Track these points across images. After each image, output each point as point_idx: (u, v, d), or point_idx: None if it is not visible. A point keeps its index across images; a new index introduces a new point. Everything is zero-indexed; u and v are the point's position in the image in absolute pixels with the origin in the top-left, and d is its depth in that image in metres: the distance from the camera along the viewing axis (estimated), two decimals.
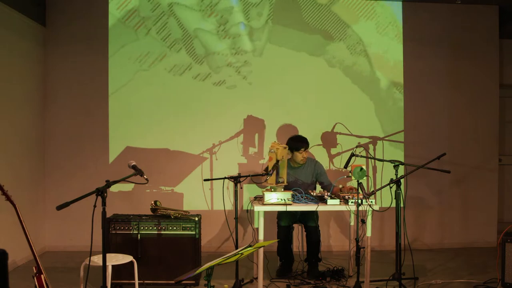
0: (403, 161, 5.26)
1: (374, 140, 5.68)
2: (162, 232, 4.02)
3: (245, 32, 5.55)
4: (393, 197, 3.87)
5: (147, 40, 5.51)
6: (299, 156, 4.44)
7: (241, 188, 4.33)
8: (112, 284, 3.72)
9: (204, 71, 5.55)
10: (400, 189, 3.86)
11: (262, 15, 5.53)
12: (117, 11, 5.47)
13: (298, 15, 5.60)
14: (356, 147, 5.10)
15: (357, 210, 3.78)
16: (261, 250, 3.85)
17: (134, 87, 5.51)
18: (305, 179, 4.49)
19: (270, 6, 5.57)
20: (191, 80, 5.55)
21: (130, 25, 5.49)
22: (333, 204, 3.91)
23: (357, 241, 3.79)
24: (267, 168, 4.03)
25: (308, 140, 4.50)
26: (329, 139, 5.63)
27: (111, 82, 5.49)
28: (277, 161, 3.94)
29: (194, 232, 4.04)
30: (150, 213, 4.24)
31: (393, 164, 3.95)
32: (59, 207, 2.60)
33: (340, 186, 4.27)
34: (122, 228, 4.01)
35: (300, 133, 5.02)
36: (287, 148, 4.14)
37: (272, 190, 3.94)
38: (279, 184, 3.97)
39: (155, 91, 5.53)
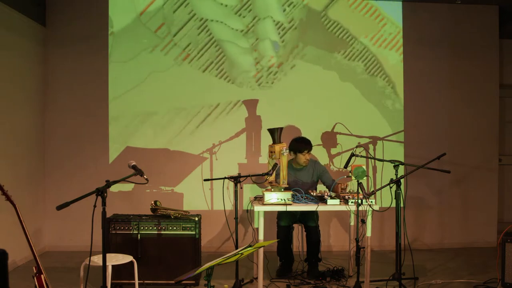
0: (403, 161, 5.26)
1: (374, 140, 5.68)
2: (162, 232, 4.02)
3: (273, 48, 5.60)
4: (393, 197, 3.87)
5: (149, 41, 5.51)
6: (302, 158, 4.43)
7: (241, 188, 4.33)
8: (112, 284, 3.72)
9: (210, 73, 5.56)
10: (400, 189, 3.86)
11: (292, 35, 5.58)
12: (121, 12, 5.48)
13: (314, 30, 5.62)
14: (356, 147, 5.11)
15: (357, 210, 3.78)
16: (261, 250, 3.85)
17: (134, 87, 5.51)
18: (305, 180, 4.49)
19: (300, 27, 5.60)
20: (192, 80, 5.55)
21: (132, 25, 5.50)
22: (333, 204, 3.91)
23: (357, 241, 3.79)
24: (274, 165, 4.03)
25: (311, 141, 4.50)
26: (329, 139, 5.64)
27: (111, 82, 5.49)
28: (275, 164, 3.96)
29: (194, 232, 4.04)
30: (150, 213, 4.23)
31: (393, 164, 3.95)
32: (59, 207, 2.60)
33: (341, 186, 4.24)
34: (122, 228, 4.01)
35: (303, 135, 5.02)
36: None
37: (272, 190, 3.94)
38: (281, 185, 3.96)
39: (155, 92, 5.53)
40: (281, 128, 4.05)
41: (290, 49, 5.61)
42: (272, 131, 4.04)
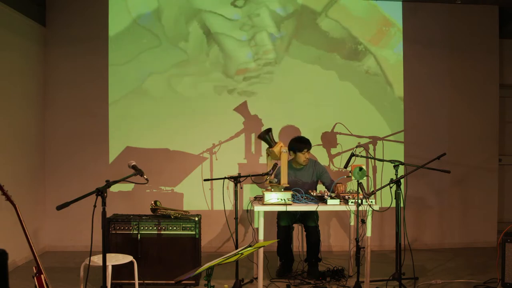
0: (403, 161, 5.26)
1: (374, 140, 5.68)
2: (162, 232, 4.02)
3: (269, 43, 5.59)
4: (393, 197, 3.87)
5: (149, 40, 5.51)
6: (302, 157, 4.43)
7: (241, 188, 4.34)
8: (112, 284, 3.72)
9: (208, 71, 5.56)
10: (400, 189, 3.86)
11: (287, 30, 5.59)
12: (120, 12, 5.49)
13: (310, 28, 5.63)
14: (356, 147, 5.11)
15: (357, 210, 3.78)
16: (261, 250, 3.85)
17: (134, 87, 5.51)
18: (305, 180, 4.49)
19: (296, 22, 5.60)
20: (192, 80, 5.55)
21: (130, 26, 5.50)
22: (333, 204, 3.90)
23: (357, 241, 3.79)
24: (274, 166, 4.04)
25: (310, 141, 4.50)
26: (329, 139, 5.64)
27: (111, 82, 5.49)
28: (275, 164, 3.97)
29: (194, 232, 4.04)
30: (150, 213, 4.23)
31: (393, 164, 3.95)
32: (59, 207, 2.60)
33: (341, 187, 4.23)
34: (122, 228, 4.01)
35: (302, 134, 5.02)
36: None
37: (272, 190, 3.94)
38: (281, 184, 3.97)
39: (155, 91, 5.53)
40: (270, 129, 4.05)
41: (287, 46, 5.60)
42: (263, 137, 4.04)
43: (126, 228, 4.01)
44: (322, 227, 5.06)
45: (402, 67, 5.69)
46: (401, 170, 4.35)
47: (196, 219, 4.07)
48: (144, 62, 5.50)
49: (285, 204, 3.88)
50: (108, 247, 3.84)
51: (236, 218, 3.95)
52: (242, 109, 5.56)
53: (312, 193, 4.12)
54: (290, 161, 4.54)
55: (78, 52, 5.46)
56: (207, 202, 5.55)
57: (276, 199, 3.90)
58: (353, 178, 3.74)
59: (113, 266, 3.41)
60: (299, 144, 4.45)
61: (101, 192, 2.73)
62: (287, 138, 4.62)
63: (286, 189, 3.99)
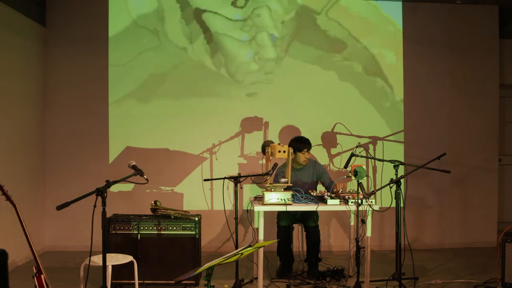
0: (403, 161, 5.26)
1: (374, 140, 5.68)
2: (162, 232, 4.02)
3: (268, 43, 5.59)
4: (393, 197, 3.87)
5: (149, 40, 5.51)
6: (302, 157, 4.43)
7: (241, 188, 4.34)
8: (112, 284, 3.72)
9: (208, 72, 5.56)
10: (400, 189, 3.86)
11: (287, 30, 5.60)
12: (120, 12, 5.48)
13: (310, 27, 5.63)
14: (356, 147, 5.11)
15: (357, 210, 3.78)
16: (261, 250, 3.85)
17: (134, 87, 5.51)
18: (305, 180, 4.50)
19: (296, 23, 5.60)
20: (192, 80, 5.55)
21: (130, 26, 5.50)
22: (333, 204, 3.90)
23: (357, 241, 3.79)
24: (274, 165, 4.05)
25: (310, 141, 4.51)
26: (329, 139, 5.64)
27: (111, 82, 5.49)
28: (275, 164, 3.97)
29: (194, 232, 4.04)
30: (150, 213, 4.24)
31: (393, 164, 3.95)
32: (59, 207, 2.60)
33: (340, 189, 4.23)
34: (122, 228, 4.01)
35: (302, 134, 5.03)
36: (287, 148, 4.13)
37: (272, 190, 3.94)
38: (280, 184, 3.96)
39: (155, 92, 5.53)
40: (265, 143, 4.26)
41: (287, 46, 5.60)
42: (264, 151, 4.23)
43: (126, 228, 4.01)
44: (322, 227, 5.06)
45: (402, 67, 5.69)
46: (401, 170, 4.35)
47: (196, 219, 4.07)
48: (144, 62, 5.51)
49: (285, 204, 3.88)
50: (108, 247, 3.84)
51: (236, 218, 3.95)
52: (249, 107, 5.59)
53: (312, 193, 4.12)
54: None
55: (78, 52, 5.47)
56: (207, 202, 5.55)
57: (276, 199, 3.90)
58: (353, 178, 3.74)
59: (113, 266, 3.41)
60: (299, 144, 4.45)
61: (101, 192, 2.73)
62: (287, 138, 4.63)
63: (286, 189, 3.99)
